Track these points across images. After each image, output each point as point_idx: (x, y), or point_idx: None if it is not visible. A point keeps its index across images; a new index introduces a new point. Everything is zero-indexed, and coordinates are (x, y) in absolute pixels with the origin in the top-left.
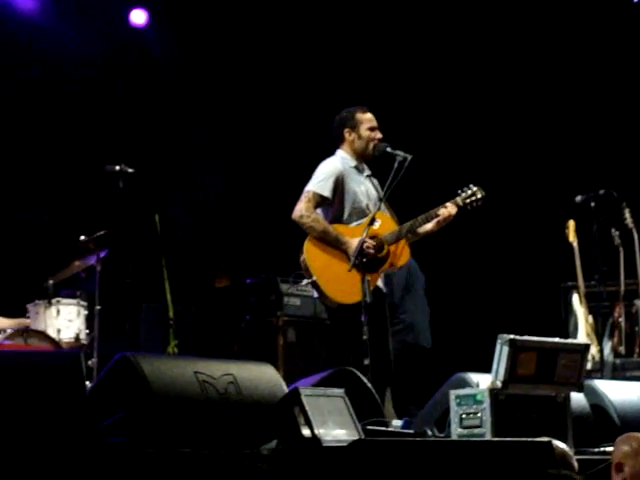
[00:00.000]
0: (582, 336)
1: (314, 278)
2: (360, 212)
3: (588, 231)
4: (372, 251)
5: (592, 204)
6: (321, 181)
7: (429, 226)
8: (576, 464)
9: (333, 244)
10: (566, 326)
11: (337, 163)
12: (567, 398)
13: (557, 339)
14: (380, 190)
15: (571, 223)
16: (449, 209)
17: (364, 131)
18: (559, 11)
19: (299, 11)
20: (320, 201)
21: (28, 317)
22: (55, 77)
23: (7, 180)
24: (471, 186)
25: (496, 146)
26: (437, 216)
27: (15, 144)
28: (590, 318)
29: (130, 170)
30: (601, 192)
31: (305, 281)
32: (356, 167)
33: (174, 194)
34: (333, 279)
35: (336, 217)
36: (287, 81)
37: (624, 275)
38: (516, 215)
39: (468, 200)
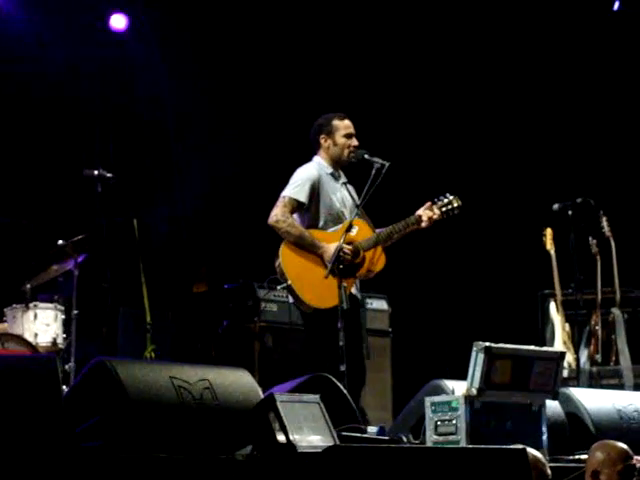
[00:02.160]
0: (559, 344)
1: (289, 282)
2: (335, 219)
3: (565, 239)
4: (349, 257)
5: (569, 212)
6: (297, 187)
7: (403, 232)
8: (550, 472)
9: (309, 249)
10: (543, 334)
11: (313, 169)
12: (542, 406)
13: (532, 347)
14: (356, 197)
15: (548, 231)
16: (431, 213)
17: (340, 138)
18: (540, 28)
19: (282, 16)
20: (296, 206)
21: (5, 321)
22: (33, 80)
23: None
24: (447, 195)
25: (474, 154)
26: (416, 223)
27: None
28: (567, 326)
29: (108, 175)
30: (578, 200)
31: (280, 286)
32: (332, 174)
33: (152, 199)
34: (308, 284)
35: (311, 223)
36: (264, 87)
37: (601, 283)
38: (493, 222)
39: (444, 209)
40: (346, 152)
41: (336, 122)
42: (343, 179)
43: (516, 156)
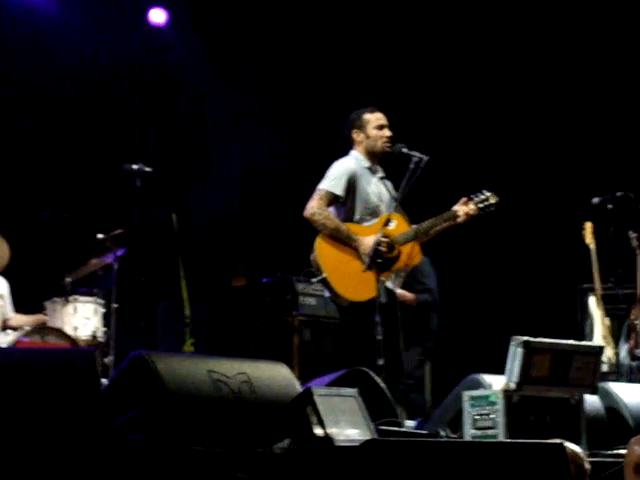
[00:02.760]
0: (598, 338)
1: (324, 275)
2: (371, 213)
3: (605, 233)
4: (384, 250)
5: (609, 206)
6: (334, 180)
7: (439, 227)
8: (588, 466)
9: (344, 242)
10: (582, 328)
11: (350, 163)
12: (581, 400)
13: (571, 341)
14: (393, 192)
15: (588, 225)
16: (468, 209)
17: (372, 130)
18: (574, 11)
19: (317, 9)
20: (332, 200)
21: (45, 314)
22: (75, 76)
23: (26, 178)
24: (484, 191)
25: (513, 148)
26: (452, 218)
27: (35, 143)
28: (606, 320)
29: (148, 169)
30: (618, 194)
31: (315, 279)
32: (369, 168)
33: (191, 193)
34: (344, 276)
35: (347, 217)
36: (303, 80)
37: None
38: (533, 217)
39: (481, 205)
40: (379, 143)
41: (367, 115)
42: (380, 173)
43: (556, 150)
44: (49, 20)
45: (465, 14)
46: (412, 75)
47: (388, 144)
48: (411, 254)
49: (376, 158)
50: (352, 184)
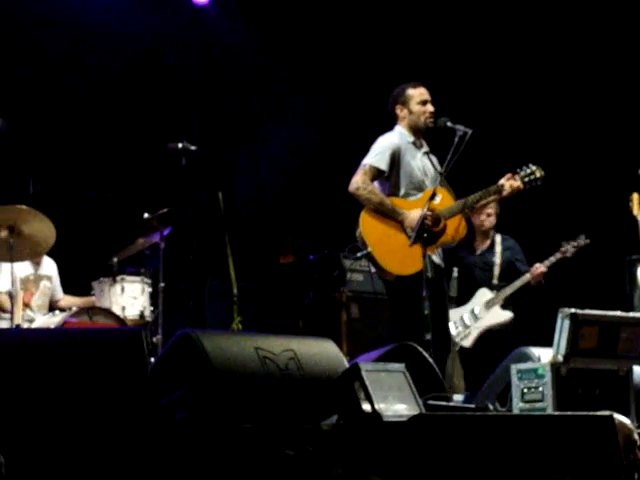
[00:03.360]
0: None
1: (369, 250)
2: (416, 187)
3: None
4: (429, 223)
5: None
6: (378, 154)
7: (485, 201)
8: (637, 438)
9: (389, 216)
10: (630, 299)
11: (395, 138)
12: (629, 372)
13: (619, 312)
14: (438, 166)
15: (635, 196)
16: (514, 182)
17: (415, 105)
18: None
19: None
20: (377, 174)
21: (93, 294)
22: (119, 55)
23: (72, 158)
24: (530, 165)
25: (559, 120)
26: (497, 192)
27: (79, 123)
28: None
29: (193, 147)
30: None
31: (360, 253)
32: (414, 143)
33: (237, 171)
34: (389, 250)
35: (392, 191)
36: (349, 56)
37: None
38: (580, 189)
39: (527, 179)
40: (422, 119)
41: (410, 91)
42: (425, 148)
43: (602, 121)
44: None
45: None
46: (455, 48)
47: (431, 119)
48: (458, 228)
49: (420, 133)
50: (396, 159)
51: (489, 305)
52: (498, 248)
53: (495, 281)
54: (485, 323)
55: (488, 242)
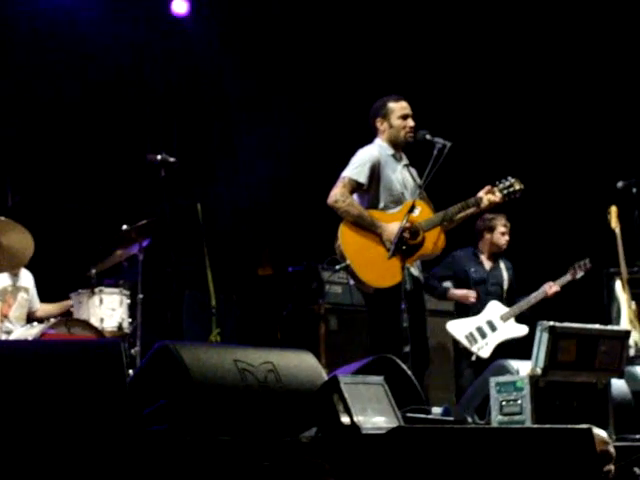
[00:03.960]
0: (625, 322)
1: (348, 262)
2: (396, 200)
3: (630, 217)
4: (407, 236)
5: (634, 190)
6: (357, 167)
7: (464, 214)
8: (614, 451)
9: (368, 228)
10: (608, 312)
11: (374, 150)
12: (608, 385)
13: (598, 325)
14: (418, 179)
15: (613, 209)
16: (492, 196)
17: (396, 120)
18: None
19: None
20: (356, 187)
21: (71, 307)
22: (98, 67)
23: (51, 170)
24: (509, 178)
25: (538, 133)
26: (475, 205)
27: (58, 134)
28: (633, 304)
29: (171, 159)
30: None
31: (338, 266)
32: (393, 155)
33: (216, 183)
34: (368, 263)
35: (371, 204)
36: (326, 69)
37: None
38: (559, 202)
39: (505, 192)
40: (403, 133)
41: (391, 104)
42: (405, 161)
43: (581, 134)
44: (71, 9)
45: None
46: (436, 61)
47: (411, 134)
48: (436, 240)
49: (399, 146)
50: (376, 172)
51: (505, 318)
52: (502, 265)
53: (505, 296)
54: (503, 335)
55: (493, 260)
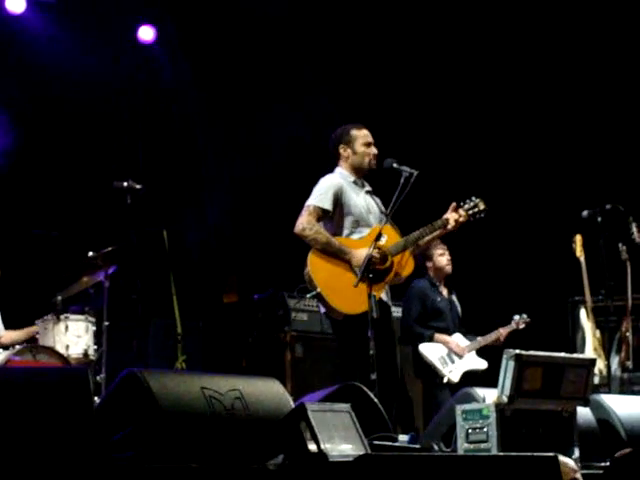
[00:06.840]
0: (589, 351)
1: (318, 290)
2: (361, 225)
3: (595, 246)
4: (377, 261)
5: (599, 219)
6: (321, 194)
7: (430, 236)
8: (580, 478)
9: (336, 255)
10: (573, 341)
11: (335, 178)
12: (573, 413)
13: (563, 354)
14: (382, 207)
15: (578, 238)
16: (458, 217)
17: (359, 147)
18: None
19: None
20: (321, 214)
21: (37, 333)
22: (63, 94)
23: (17, 195)
24: (473, 198)
25: (502, 161)
26: (442, 226)
27: (25, 160)
28: (597, 333)
29: (138, 186)
30: (607, 207)
31: (309, 294)
32: (355, 182)
33: (182, 210)
34: (337, 290)
35: (337, 231)
36: (288, 98)
37: (631, 290)
38: (523, 230)
39: (471, 212)
40: (366, 160)
41: (354, 132)
42: (367, 187)
43: (546, 163)
44: (37, 40)
45: (450, 27)
46: (398, 88)
47: (374, 162)
48: (401, 264)
49: (361, 173)
50: (339, 198)
51: (468, 350)
52: (454, 297)
53: (460, 325)
54: (467, 365)
55: (448, 289)
